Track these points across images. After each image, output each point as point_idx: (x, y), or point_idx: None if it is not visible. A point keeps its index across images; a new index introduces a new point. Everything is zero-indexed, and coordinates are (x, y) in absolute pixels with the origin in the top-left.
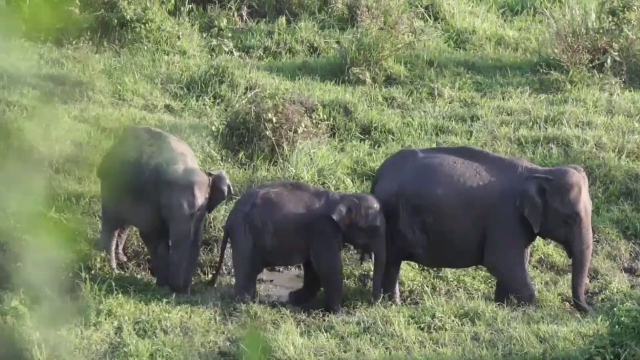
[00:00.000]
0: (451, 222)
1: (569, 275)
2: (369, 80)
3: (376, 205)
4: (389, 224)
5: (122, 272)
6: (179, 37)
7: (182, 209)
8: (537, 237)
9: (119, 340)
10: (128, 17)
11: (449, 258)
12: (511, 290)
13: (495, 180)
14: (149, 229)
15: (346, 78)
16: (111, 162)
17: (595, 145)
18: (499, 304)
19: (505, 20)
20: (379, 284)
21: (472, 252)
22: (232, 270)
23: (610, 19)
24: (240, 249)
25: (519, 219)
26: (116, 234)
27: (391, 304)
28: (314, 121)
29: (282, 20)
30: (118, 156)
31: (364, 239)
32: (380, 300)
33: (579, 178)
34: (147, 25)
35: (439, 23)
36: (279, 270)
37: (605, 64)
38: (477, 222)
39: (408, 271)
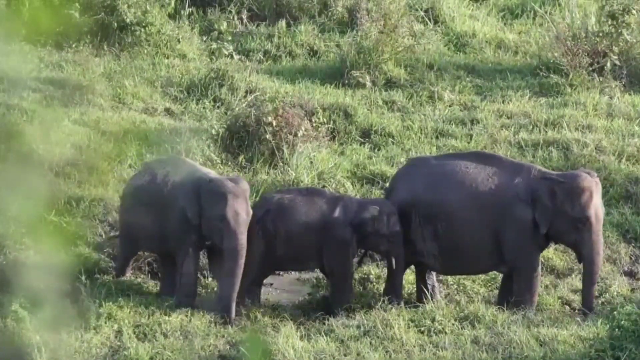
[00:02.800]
0: (464, 228)
1: (569, 279)
2: (369, 83)
3: (394, 210)
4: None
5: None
6: (179, 41)
7: (239, 218)
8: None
9: (119, 343)
10: (128, 21)
11: (463, 265)
12: (519, 291)
13: (509, 184)
14: (167, 249)
15: (346, 81)
16: (128, 191)
17: (595, 148)
18: (499, 308)
19: (505, 24)
20: (399, 288)
21: (485, 258)
22: None
23: (609, 22)
24: (252, 253)
25: (534, 222)
26: (131, 262)
27: (391, 308)
28: (314, 124)
29: (282, 23)
30: (133, 184)
31: (385, 245)
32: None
33: (591, 183)
34: (147, 28)
35: (438, 26)
36: (278, 274)
37: (605, 67)
38: (489, 226)
39: (408, 274)
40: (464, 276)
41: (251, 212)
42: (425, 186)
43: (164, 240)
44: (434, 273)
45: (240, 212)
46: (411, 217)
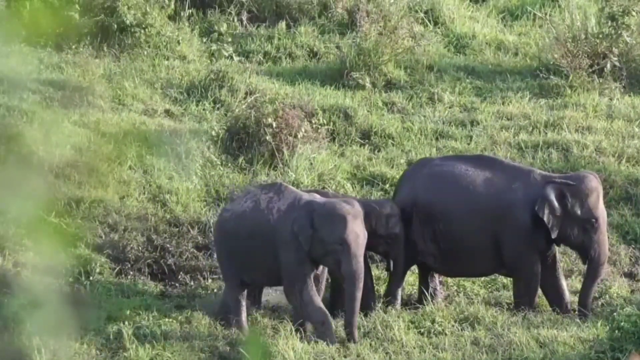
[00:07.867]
0: (460, 230)
1: (569, 280)
2: (368, 85)
3: (395, 212)
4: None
5: (123, 277)
6: (178, 42)
7: (359, 240)
8: (554, 244)
9: (119, 345)
10: (128, 22)
11: (462, 266)
12: (518, 294)
13: (508, 188)
14: (276, 279)
15: (346, 83)
16: (227, 220)
17: (595, 150)
18: (498, 309)
19: (505, 25)
20: (395, 290)
21: (483, 261)
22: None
23: (609, 24)
24: None
25: (533, 226)
26: (244, 298)
27: (391, 309)
28: (314, 126)
29: (282, 25)
30: (234, 212)
31: (383, 245)
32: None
33: (598, 184)
34: (147, 30)
35: (438, 28)
36: None
37: (605, 69)
38: (486, 229)
39: (408, 276)
40: (463, 278)
41: (366, 234)
42: (425, 187)
43: (272, 271)
44: (436, 275)
45: (360, 234)
46: (412, 217)
